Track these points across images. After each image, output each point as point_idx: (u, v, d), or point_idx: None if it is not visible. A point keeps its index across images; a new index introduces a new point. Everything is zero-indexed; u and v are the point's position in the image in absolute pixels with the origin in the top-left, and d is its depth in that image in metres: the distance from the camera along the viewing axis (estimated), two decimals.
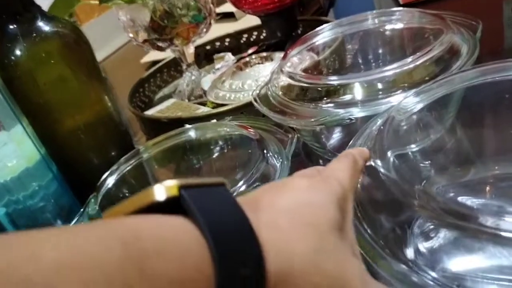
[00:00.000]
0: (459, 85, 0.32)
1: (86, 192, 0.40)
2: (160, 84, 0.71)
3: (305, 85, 0.42)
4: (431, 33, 0.42)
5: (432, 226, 0.30)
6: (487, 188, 0.31)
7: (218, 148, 0.41)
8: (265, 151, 0.35)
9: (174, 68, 0.72)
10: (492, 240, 0.24)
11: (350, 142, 0.32)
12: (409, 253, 0.29)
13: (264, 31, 0.74)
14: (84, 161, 0.46)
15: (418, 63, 0.37)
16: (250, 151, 0.36)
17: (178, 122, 0.51)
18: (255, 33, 0.75)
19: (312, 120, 0.37)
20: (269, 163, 0.34)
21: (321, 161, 0.48)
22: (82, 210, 0.38)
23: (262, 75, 0.55)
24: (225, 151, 0.41)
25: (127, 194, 0.39)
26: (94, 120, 0.45)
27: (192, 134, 0.41)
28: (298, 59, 0.47)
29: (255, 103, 0.43)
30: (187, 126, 0.41)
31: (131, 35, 0.59)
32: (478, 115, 0.33)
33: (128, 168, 0.40)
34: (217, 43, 0.76)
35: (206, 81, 0.63)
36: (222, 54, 0.72)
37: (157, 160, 0.42)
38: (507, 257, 0.26)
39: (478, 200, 0.31)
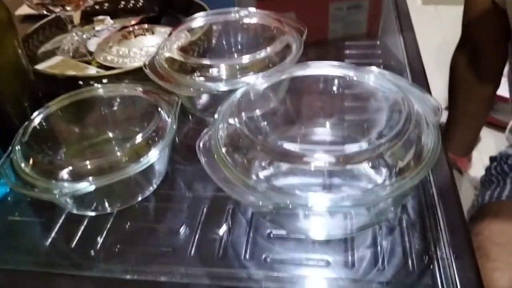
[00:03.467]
0: (289, 74, 0.50)
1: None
2: (43, 40, 0.77)
3: (183, 61, 0.56)
4: (275, 31, 0.59)
5: (266, 161, 0.48)
6: (299, 139, 0.51)
7: (121, 105, 0.52)
8: (159, 109, 0.49)
9: (55, 26, 0.78)
10: (300, 169, 0.42)
11: (219, 108, 0.47)
12: (254, 177, 0.46)
13: (141, 1, 0.84)
14: None
15: (265, 55, 0.54)
16: (148, 109, 0.49)
17: (73, 80, 0.61)
18: (132, 1, 0.85)
19: (191, 89, 0.52)
20: (162, 119, 0.48)
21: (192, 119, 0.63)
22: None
23: (145, 45, 0.68)
24: (127, 108, 0.52)
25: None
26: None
27: (98, 92, 0.52)
28: (179, 38, 0.60)
29: (145, 70, 0.55)
30: (97, 85, 0.52)
31: None
32: (299, 93, 0.52)
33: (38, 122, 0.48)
34: (96, 6, 0.84)
35: (92, 43, 0.73)
36: (102, 17, 0.81)
37: (64, 115, 0.51)
38: (309, 178, 0.45)
39: (294, 146, 0.50)
